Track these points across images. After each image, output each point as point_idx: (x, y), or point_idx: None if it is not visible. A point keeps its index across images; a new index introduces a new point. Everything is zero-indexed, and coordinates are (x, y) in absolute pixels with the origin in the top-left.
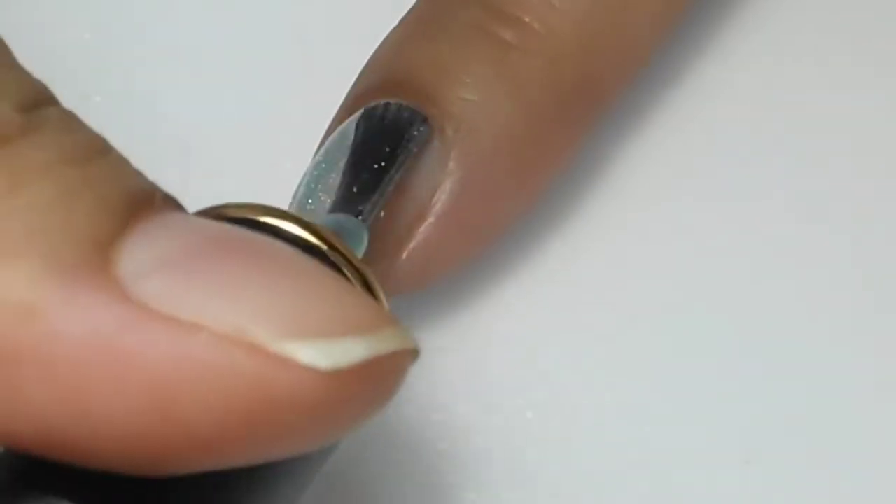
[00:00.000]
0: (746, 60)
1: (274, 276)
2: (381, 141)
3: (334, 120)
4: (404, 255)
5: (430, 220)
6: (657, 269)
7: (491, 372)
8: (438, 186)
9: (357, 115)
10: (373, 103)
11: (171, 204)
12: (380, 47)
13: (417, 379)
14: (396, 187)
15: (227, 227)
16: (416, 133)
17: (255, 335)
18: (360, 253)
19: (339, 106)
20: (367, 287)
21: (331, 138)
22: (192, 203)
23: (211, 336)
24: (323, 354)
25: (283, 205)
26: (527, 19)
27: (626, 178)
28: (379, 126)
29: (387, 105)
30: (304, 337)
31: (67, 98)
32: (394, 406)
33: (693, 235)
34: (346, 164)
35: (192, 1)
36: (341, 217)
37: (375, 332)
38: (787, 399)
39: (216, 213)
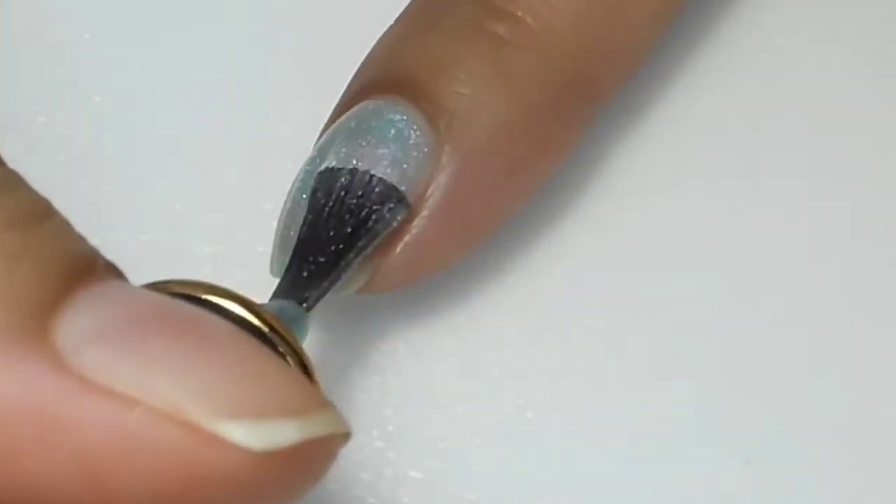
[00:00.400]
0: (745, 58)
1: (212, 354)
2: (342, 220)
3: (331, 117)
4: (398, 250)
5: (424, 214)
6: (657, 269)
7: (491, 372)
8: (432, 181)
9: (354, 111)
10: (338, 165)
11: (113, 272)
12: (376, 45)
13: (417, 379)
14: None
15: (168, 300)
16: (386, 213)
17: (190, 412)
18: (301, 340)
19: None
20: (305, 371)
21: (325, 135)
22: (193, 201)
23: (147, 410)
24: (256, 435)
25: (280, 201)
26: (522, 15)
27: (627, 177)
28: (341, 201)
29: (352, 172)
30: (238, 417)
31: (67, 98)
32: (394, 406)
33: (693, 235)
34: (301, 240)
35: (193, 1)
36: (284, 304)
37: (309, 416)
38: (787, 399)
39: (160, 288)
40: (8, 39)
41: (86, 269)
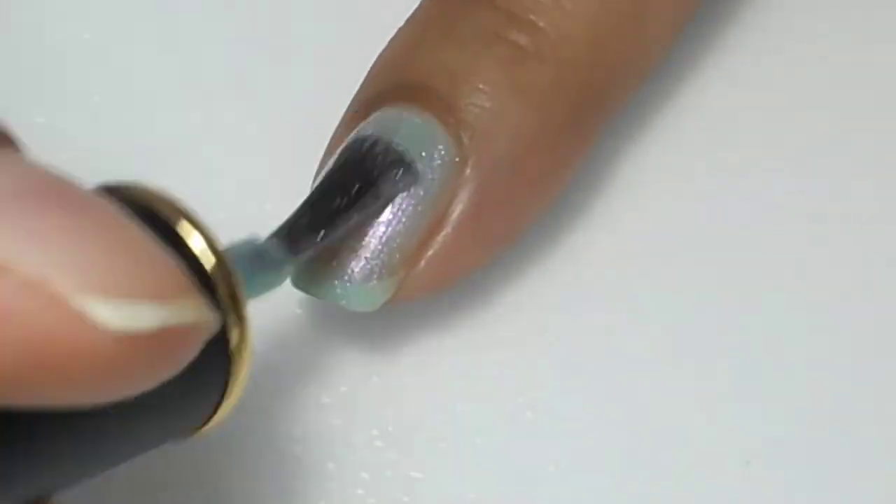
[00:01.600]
0: (746, 57)
1: (90, 232)
2: (353, 176)
3: (345, 122)
4: (422, 263)
5: (448, 228)
6: (657, 270)
7: (491, 372)
8: (455, 195)
9: (373, 119)
10: (366, 132)
11: (5, 140)
12: (388, 50)
13: (418, 379)
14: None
15: (55, 176)
16: (394, 177)
17: (55, 285)
18: (277, 281)
19: (347, 108)
20: (234, 300)
21: (345, 143)
22: (194, 201)
23: (16, 280)
24: (118, 315)
25: (280, 201)
26: (541, 24)
27: (627, 178)
28: (357, 160)
29: (375, 142)
30: (102, 295)
31: (67, 98)
32: (394, 406)
33: (693, 236)
34: (312, 193)
35: (193, 2)
36: (270, 242)
37: (174, 302)
38: (787, 399)
39: (114, 190)
40: (8, 39)
41: None
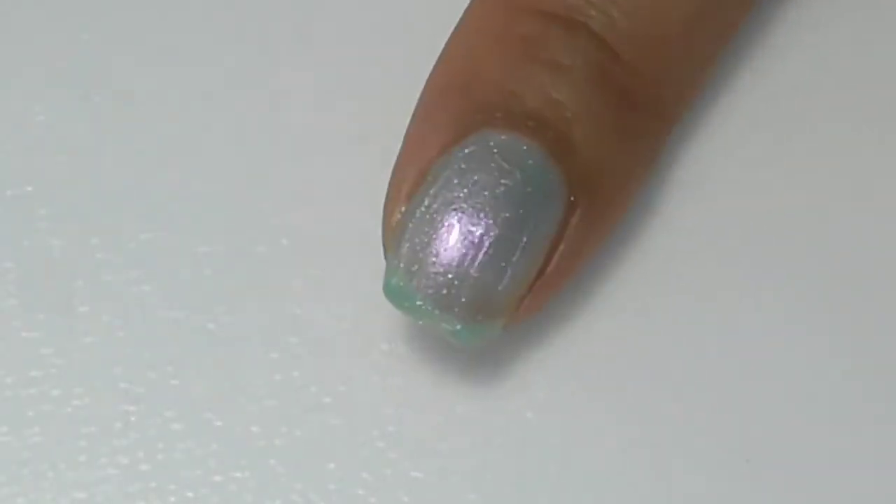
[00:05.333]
0: (742, 67)
1: None
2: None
3: (423, 133)
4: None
5: (544, 279)
6: (657, 270)
7: (491, 372)
8: (557, 246)
9: (479, 140)
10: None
11: None
12: (479, 62)
13: (418, 378)
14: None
15: None
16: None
17: None
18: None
19: (422, 112)
20: None
21: (441, 161)
22: (193, 201)
23: None
24: None
25: (280, 201)
26: (641, 67)
27: None
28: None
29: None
30: None
31: (67, 98)
32: (394, 406)
33: (692, 234)
34: None
35: (192, 1)
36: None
37: None
38: (787, 399)
39: None
40: (8, 39)
41: None
